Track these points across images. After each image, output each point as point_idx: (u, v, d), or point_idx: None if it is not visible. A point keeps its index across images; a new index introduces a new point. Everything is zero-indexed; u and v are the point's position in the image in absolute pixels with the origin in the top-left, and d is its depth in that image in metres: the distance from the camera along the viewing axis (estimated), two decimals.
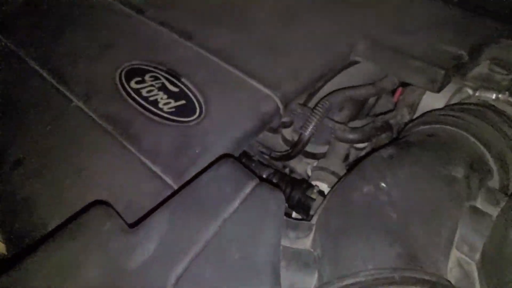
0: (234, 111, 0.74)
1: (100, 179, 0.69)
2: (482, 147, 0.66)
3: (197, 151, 0.69)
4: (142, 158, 0.69)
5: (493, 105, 0.79)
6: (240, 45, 0.84)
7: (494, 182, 0.65)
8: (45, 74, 0.83)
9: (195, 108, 0.74)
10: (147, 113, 0.74)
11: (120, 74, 0.80)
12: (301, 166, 0.90)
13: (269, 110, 0.74)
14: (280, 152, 0.81)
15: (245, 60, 0.81)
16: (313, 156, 0.88)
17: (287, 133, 0.90)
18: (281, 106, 0.76)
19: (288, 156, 0.80)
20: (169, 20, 0.89)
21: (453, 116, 0.71)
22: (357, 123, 0.86)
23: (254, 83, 0.77)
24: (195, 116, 0.73)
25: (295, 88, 0.77)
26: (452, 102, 0.85)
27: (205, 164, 0.68)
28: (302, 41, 0.85)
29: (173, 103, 0.75)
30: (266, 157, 0.84)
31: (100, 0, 0.95)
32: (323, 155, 0.88)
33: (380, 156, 0.62)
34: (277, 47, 0.84)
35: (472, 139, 0.66)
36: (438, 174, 0.58)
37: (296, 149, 0.79)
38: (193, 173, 0.67)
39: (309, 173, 0.88)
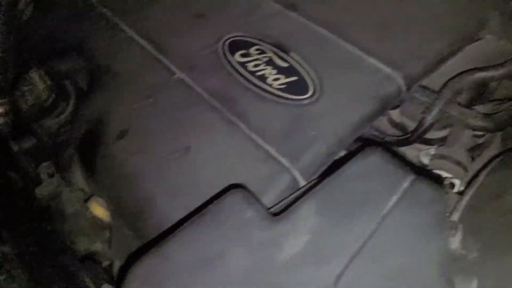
0: (351, 91, 0.69)
1: (208, 158, 0.67)
2: None
3: (313, 133, 0.66)
4: (254, 136, 0.67)
5: None
6: (352, 17, 0.78)
7: None
8: (143, 43, 0.81)
9: (308, 86, 0.70)
10: (255, 89, 0.71)
11: (223, 45, 0.77)
12: (411, 152, 0.84)
13: (391, 92, 0.69)
14: (397, 136, 0.76)
15: (360, 34, 0.75)
16: (427, 141, 0.82)
17: (395, 115, 0.84)
18: (403, 88, 0.70)
19: (405, 142, 0.74)
20: None
21: None
22: (480, 109, 0.79)
23: (373, 60, 0.72)
24: (308, 95, 0.69)
25: (421, 68, 0.71)
26: None
27: (323, 148, 0.65)
28: (424, 14, 0.78)
29: (284, 79, 0.71)
30: (379, 141, 0.78)
31: None
32: (438, 141, 0.81)
33: None
34: (396, 20, 0.77)
35: None
36: None
37: (416, 134, 0.73)
38: (311, 156, 0.64)
39: (423, 160, 0.82)
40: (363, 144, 0.61)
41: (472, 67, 0.79)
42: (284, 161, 0.64)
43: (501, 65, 0.79)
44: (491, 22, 0.76)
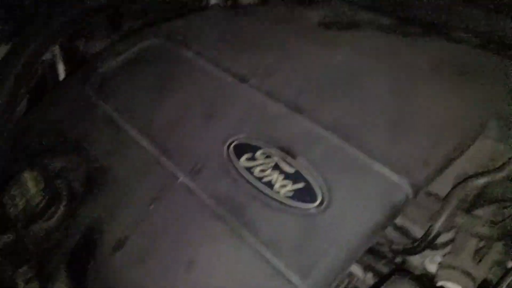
0: (360, 199, 0.70)
1: (213, 273, 0.65)
2: None
3: (323, 246, 0.65)
4: (262, 249, 0.65)
5: None
6: (358, 120, 0.81)
7: None
8: (145, 145, 0.81)
9: (316, 194, 0.70)
10: (262, 196, 0.71)
11: (228, 149, 0.78)
12: (416, 258, 0.83)
13: (399, 200, 0.70)
14: (403, 245, 0.75)
15: (366, 137, 0.78)
16: (432, 246, 0.82)
17: (400, 219, 0.84)
18: (410, 195, 0.71)
19: (412, 251, 0.74)
20: (275, 89, 0.87)
21: None
22: (481, 212, 0.80)
23: (380, 166, 0.73)
24: (317, 203, 0.69)
25: (427, 174, 0.73)
26: None
27: (335, 262, 0.63)
28: (426, 116, 0.81)
29: (291, 186, 0.71)
30: (384, 249, 0.77)
31: (201, 65, 0.96)
32: (443, 245, 0.81)
33: None
34: (400, 122, 0.80)
35: None
36: None
37: (424, 244, 0.73)
38: (322, 271, 0.63)
39: (428, 268, 0.81)
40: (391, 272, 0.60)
41: (472, 170, 0.82)
42: (293, 278, 0.62)
43: (502, 167, 0.82)
44: (489, 126, 0.80)
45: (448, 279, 0.74)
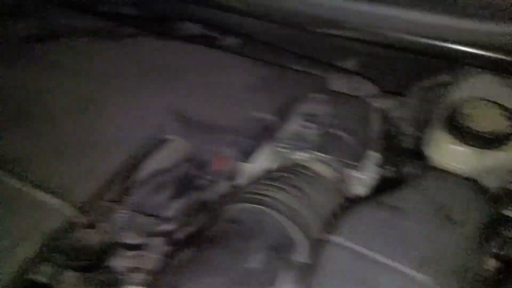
0: (19, 234, 0.65)
1: None
2: (286, 221, 0.67)
3: None
4: None
5: (306, 167, 0.82)
6: (32, 152, 0.77)
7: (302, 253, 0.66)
8: None
9: None
10: None
11: None
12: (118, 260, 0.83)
13: (59, 223, 0.67)
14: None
15: (35, 170, 0.74)
16: (135, 247, 0.82)
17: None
18: (73, 214, 0.68)
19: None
20: None
21: (259, 192, 0.72)
22: (182, 202, 0.84)
23: (42, 195, 0.69)
24: None
25: (91, 191, 0.71)
26: (267, 166, 0.86)
27: None
28: (105, 132, 0.82)
29: None
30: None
31: None
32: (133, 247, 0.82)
33: (175, 263, 0.60)
34: (76, 144, 0.80)
35: (277, 215, 0.68)
36: (233, 274, 0.58)
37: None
38: None
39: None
40: None
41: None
42: None
43: (189, 161, 0.86)
44: (169, 125, 0.83)
45: (133, 283, 0.75)
